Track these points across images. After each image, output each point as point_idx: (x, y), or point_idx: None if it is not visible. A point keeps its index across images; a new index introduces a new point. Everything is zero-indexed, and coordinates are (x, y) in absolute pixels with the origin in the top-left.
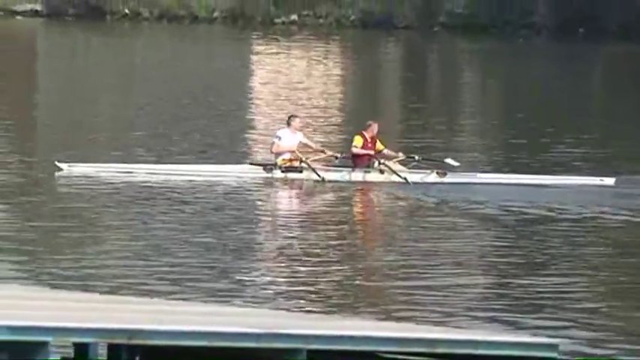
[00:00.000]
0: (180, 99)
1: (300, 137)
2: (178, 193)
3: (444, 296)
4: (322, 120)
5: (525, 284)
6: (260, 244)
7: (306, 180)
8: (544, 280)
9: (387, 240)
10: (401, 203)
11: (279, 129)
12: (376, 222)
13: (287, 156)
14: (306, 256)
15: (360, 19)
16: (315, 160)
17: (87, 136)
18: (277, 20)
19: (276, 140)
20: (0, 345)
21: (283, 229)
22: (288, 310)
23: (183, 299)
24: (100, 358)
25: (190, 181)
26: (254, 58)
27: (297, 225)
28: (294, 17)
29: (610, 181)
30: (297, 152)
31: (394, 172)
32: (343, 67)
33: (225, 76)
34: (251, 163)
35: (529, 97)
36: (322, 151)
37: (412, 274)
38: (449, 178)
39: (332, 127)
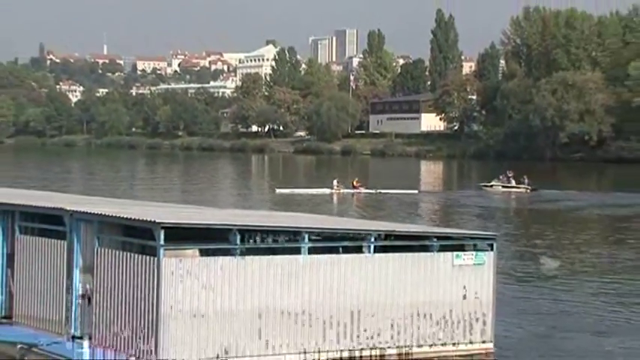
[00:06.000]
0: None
1: (336, 183)
2: (335, 198)
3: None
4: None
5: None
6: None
7: (345, 194)
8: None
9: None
10: (373, 199)
11: (334, 179)
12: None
13: (336, 187)
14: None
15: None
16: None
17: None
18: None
19: (333, 182)
20: (339, 238)
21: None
22: None
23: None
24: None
25: (320, 195)
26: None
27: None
28: None
29: (415, 191)
30: (338, 186)
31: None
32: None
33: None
34: (327, 188)
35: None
36: (340, 186)
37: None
38: (381, 191)
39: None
